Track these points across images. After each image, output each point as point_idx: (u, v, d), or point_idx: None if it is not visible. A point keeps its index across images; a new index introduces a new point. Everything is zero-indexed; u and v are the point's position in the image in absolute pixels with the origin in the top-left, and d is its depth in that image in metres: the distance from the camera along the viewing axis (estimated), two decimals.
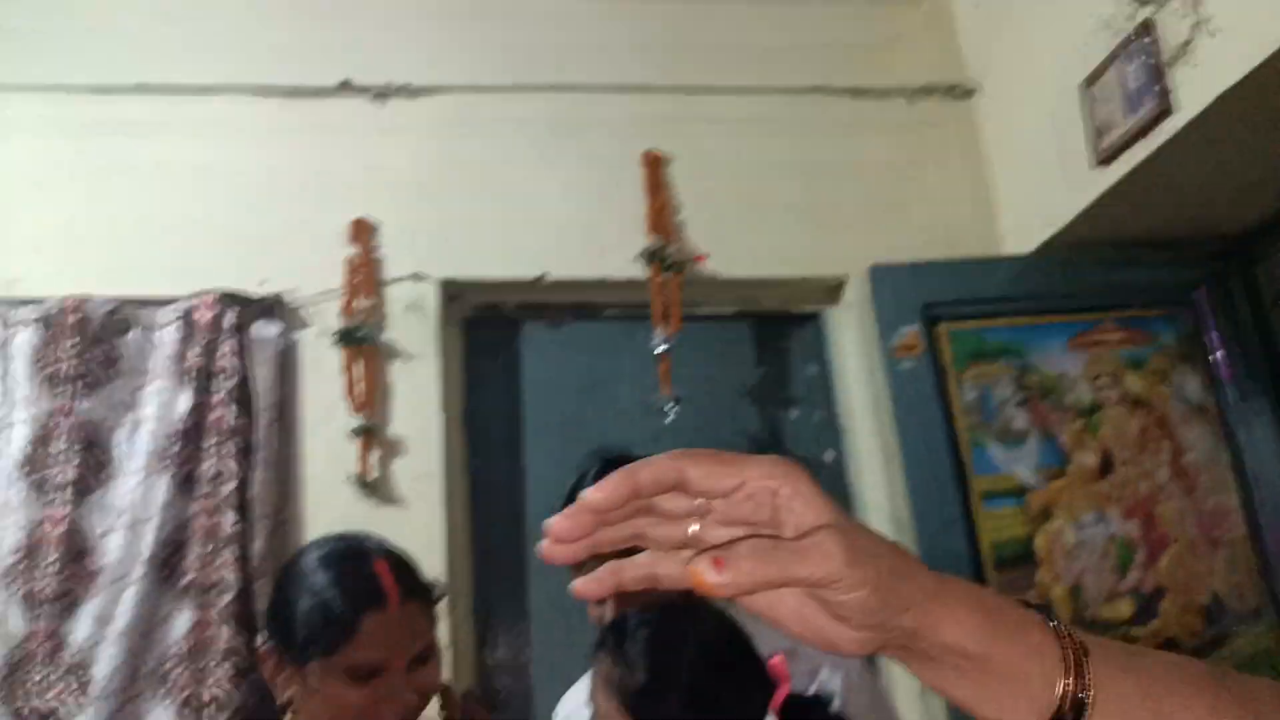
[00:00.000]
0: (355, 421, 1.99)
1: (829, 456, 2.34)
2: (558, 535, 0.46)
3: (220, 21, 2.31)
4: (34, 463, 1.80)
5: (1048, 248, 2.26)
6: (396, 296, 2.14)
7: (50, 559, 1.72)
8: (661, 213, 2.31)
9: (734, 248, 2.30)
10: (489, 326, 2.33)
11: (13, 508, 1.76)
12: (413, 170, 2.24)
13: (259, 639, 1.18)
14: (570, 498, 1.08)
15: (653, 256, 2.26)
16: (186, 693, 1.68)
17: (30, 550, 1.74)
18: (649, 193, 2.31)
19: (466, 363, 2.27)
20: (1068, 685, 0.48)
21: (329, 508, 1.93)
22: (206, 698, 1.68)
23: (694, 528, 0.50)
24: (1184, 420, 2.21)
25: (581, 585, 0.49)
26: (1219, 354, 2.26)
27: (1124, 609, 2.05)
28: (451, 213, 2.22)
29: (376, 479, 1.97)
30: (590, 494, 0.46)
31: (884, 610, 0.46)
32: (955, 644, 0.48)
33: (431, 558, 1.92)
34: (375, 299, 2.12)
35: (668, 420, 2.16)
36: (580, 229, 2.27)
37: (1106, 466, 2.15)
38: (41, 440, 1.81)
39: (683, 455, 0.47)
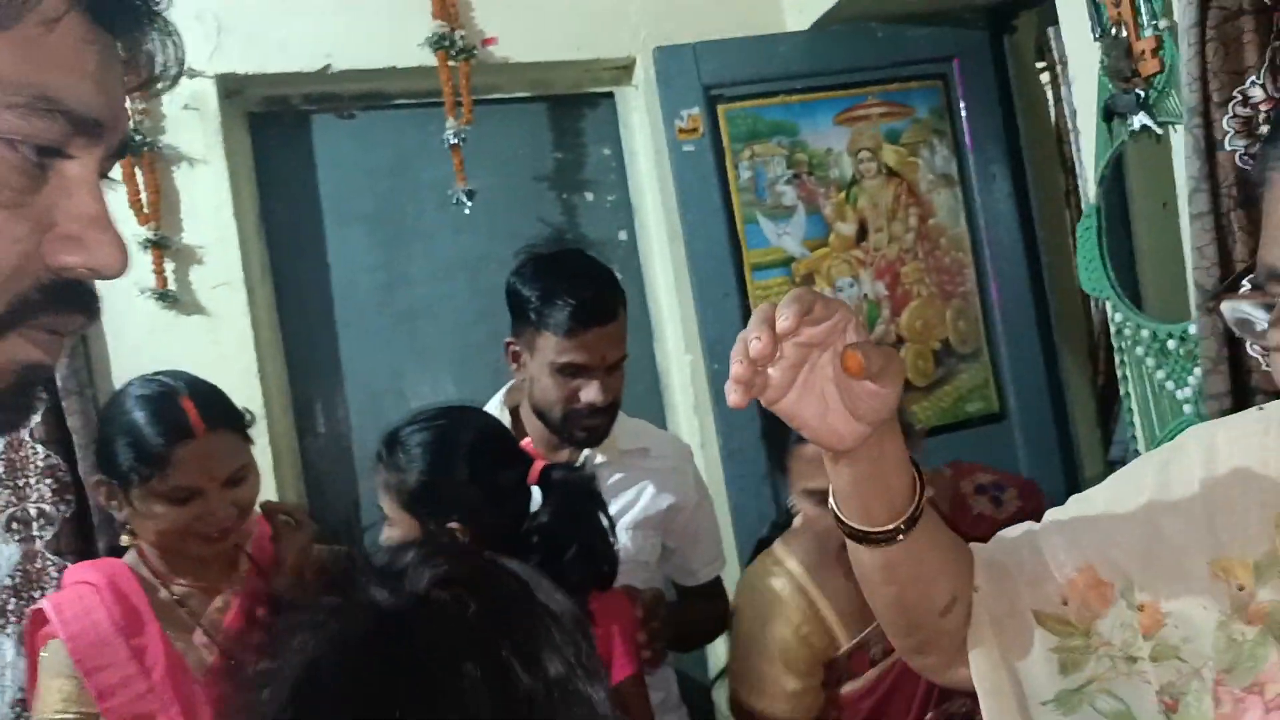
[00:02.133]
0: (145, 233, 1.91)
1: (622, 236, 2.44)
2: (758, 355, 0.62)
3: None
4: None
5: (823, 23, 2.32)
6: (171, 96, 2.00)
7: None
8: None
9: (524, 30, 2.23)
10: (276, 123, 2.22)
11: None
12: None
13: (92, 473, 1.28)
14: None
15: (439, 42, 2.16)
16: (10, 511, 1.71)
17: None
18: None
19: (256, 162, 2.18)
20: (917, 506, 0.72)
21: (130, 322, 1.89)
22: (32, 514, 1.72)
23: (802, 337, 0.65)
24: (932, 189, 2.41)
25: (736, 397, 0.64)
26: (965, 124, 2.44)
27: None
28: (225, 1, 2.05)
29: (174, 291, 1.94)
30: (780, 322, 0.62)
31: (886, 411, 0.67)
32: (889, 456, 0.70)
33: (242, 362, 1.94)
34: (148, 100, 1.97)
35: (465, 212, 2.18)
36: (365, 14, 2.14)
37: (862, 234, 2.35)
38: None
39: (805, 291, 0.65)
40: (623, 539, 1.46)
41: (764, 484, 2.19)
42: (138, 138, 1.92)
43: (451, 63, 2.17)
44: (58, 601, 1.25)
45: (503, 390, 1.63)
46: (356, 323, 2.24)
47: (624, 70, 2.38)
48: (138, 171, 1.92)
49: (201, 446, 1.21)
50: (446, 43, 2.16)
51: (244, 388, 1.86)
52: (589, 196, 2.43)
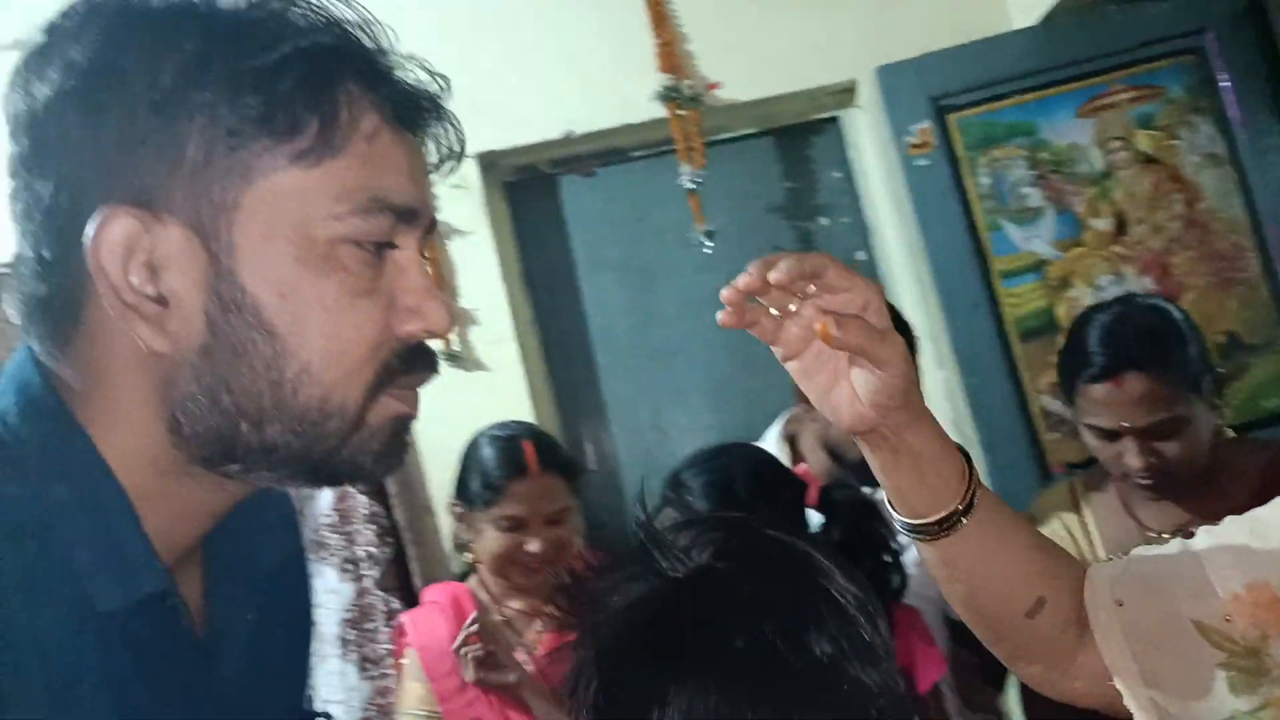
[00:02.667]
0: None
1: (860, 257, 2.43)
2: (743, 286, 0.64)
3: None
4: None
5: (1053, 16, 2.22)
6: (441, 179, 2.22)
7: None
8: (669, 48, 2.29)
9: (745, 70, 2.29)
10: (528, 188, 2.40)
11: None
12: (433, 51, 2.25)
13: (450, 500, 1.53)
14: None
15: (668, 94, 2.27)
16: (342, 554, 1.94)
17: None
18: (654, 29, 2.29)
19: (515, 226, 2.37)
20: (965, 498, 0.70)
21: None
22: (361, 555, 1.94)
23: (794, 305, 0.66)
24: (1197, 170, 2.22)
25: (724, 316, 0.65)
26: (1230, 98, 2.24)
27: None
28: (472, 86, 2.24)
29: (459, 350, 2.14)
30: (771, 272, 0.63)
31: (898, 398, 0.65)
32: (916, 444, 0.68)
33: (520, 410, 2.10)
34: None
35: (706, 252, 2.26)
36: (597, 79, 2.28)
37: (1121, 228, 2.20)
38: None
39: (825, 256, 0.65)
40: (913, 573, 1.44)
41: (1031, 499, 2.09)
42: None
43: (680, 111, 2.26)
44: (412, 616, 1.49)
45: (780, 421, 1.66)
46: (615, 364, 2.37)
47: (847, 94, 2.38)
48: None
49: (532, 483, 1.42)
50: (674, 94, 2.26)
51: None
52: (824, 221, 2.44)
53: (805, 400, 1.48)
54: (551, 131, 2.28)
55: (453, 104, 2.08)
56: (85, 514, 0.51)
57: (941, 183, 2.21)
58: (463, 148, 0.61)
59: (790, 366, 0.68)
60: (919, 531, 0.71)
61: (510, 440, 1.47)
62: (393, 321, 0.54)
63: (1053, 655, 0.74)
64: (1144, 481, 1.27)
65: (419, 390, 0.57)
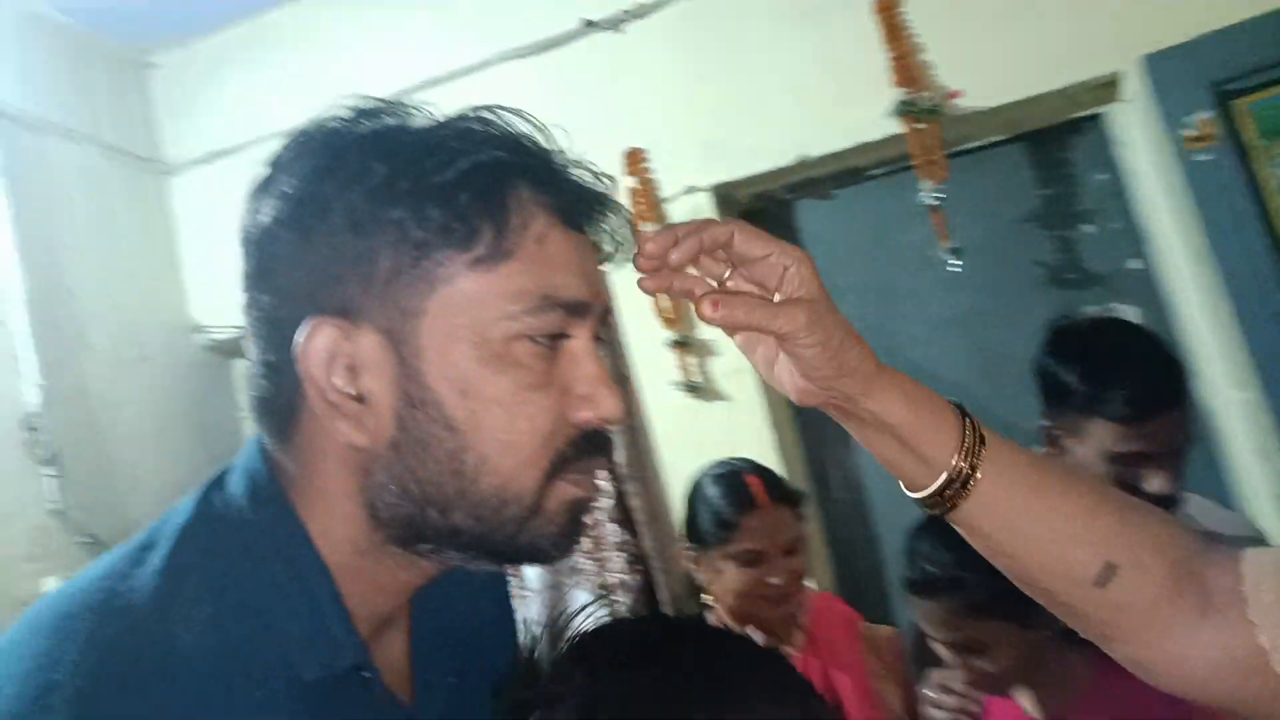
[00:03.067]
0: (670, 335, 2.17)
1: (1134, 265, 2.20)
2: (646, 254, 0.60)
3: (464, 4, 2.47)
4: None
5: None
6: (676, 213, 2.26)
7: None
8: (904, 61, 2.20)
9: (991, 74, 2.15)
10: (764, 215, 2.39)
11: None
12: (664, 89, 2.31)
13: (681, 540, 1.53)
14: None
15: (904, 109, 2.18)
16: (597, 580, 2.02)
17: None
18: (888, 43, 2.21)
19: None
20: (960, 460, 0.62)
21: (668, 411, 2.14)
22: (612, 582, 2.01)
23: (726, 273, 0.63)
24: None
25: (643, 281, 0.62)
26: None
27: None
28: (706, 122, 2.27)
29: (700, 381, 2.16)
30: (672, 253, 0.59)
31: (829, 367, 0.60)
32: (881, 412, 0.62)
33: (760, 439, 2.09)
34: (659, 221, 2.25)
35: (952, 271, 2.14)
36: (827, 103, 2.23)
37: None
38: None
39: (734, 222, 0.61)
40: None
41: None
42: None
43: (918, 125, 2.16)
44: None
45: None
46: None
47: (1108, 88, 2.17)
48: None
49: (764, 516, 1.42)
50: (911, 107, 2.16)
51: (763, 461, 2.00)
52: (1088, 228, 2.24)
53: (1054, 444, 1.37)
54: (784, 159, 2.26)
55: (684, 141, 2.13)
56: (294, 591, 0.56)
57: (1228, 177, 1.96)
58: (632, 232, 0.63)
59: (736, 342, 0.66)
60: (928, 505, 0.64)
61: (734, 476, 1.47)
62: (567, 409, 0.57)
63: (1147, 633, 0.62)
64: None
65: (594, 474, 0.60)
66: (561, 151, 0.60)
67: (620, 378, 2.13)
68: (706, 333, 2.20)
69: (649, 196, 2.26)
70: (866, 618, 1.58)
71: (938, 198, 2.14)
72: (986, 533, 0.64)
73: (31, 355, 2.03)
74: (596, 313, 0.59)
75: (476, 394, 0.54)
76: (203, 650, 0.50)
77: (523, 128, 0.59)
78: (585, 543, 2.04)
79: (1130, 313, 2.13)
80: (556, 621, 0.62)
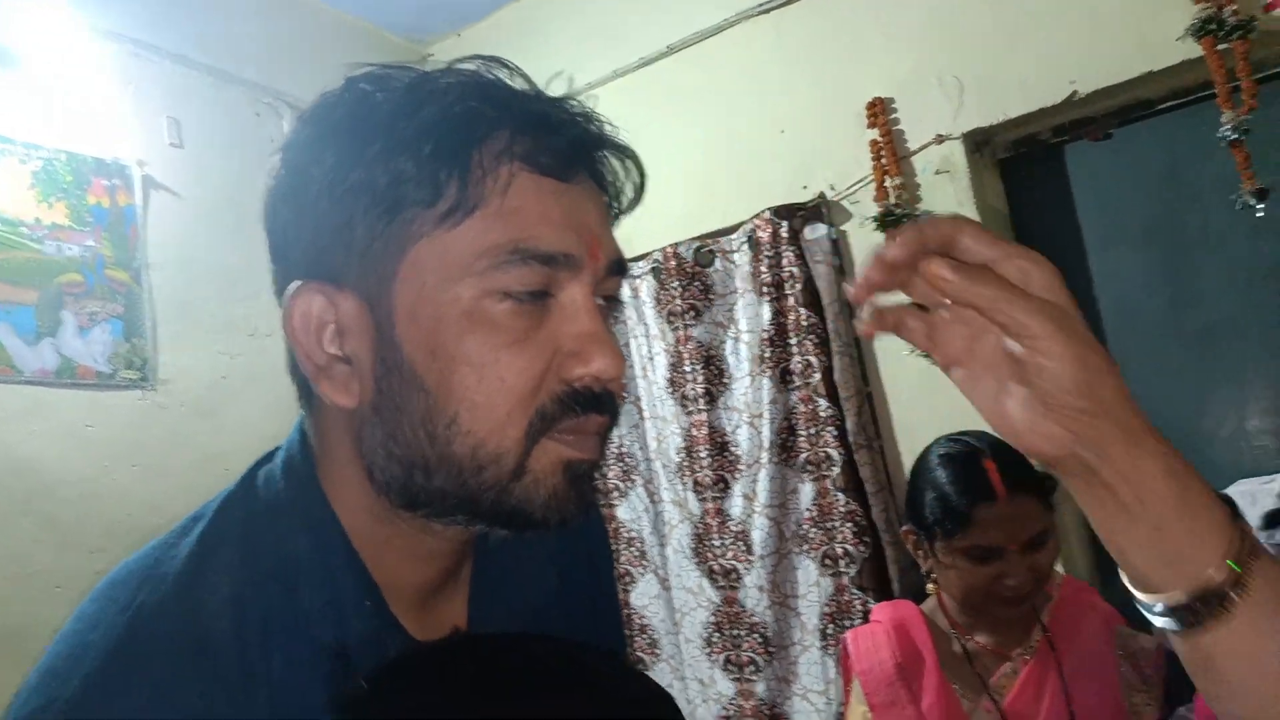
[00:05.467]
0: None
1: None
2: (863, 282, 0.49)
3: None
4: (674, 383, 2.17)
5: None
6: (924, 165, 2.06)
7: (703, 454, 2.09)
8: None
9: None
10: (1027, 162, 2.12)
11: (668, 419, 2.16)
12: (905, 34, 2.10)
13: (902, 522, 1.34)
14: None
15: (1204, 28, 1.81)
16: (822, 549, 1.94)
17: (689, 449, 2.12)
18: None
19: (1011, 205, 2.11)
20: (1224, 570, 0.45)
21: (902, 380, 1.99)
22: (839, 552, 1.92)
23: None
24: None
25: (861, 326, 0.52)
26: None
27: None
28: (957, 61, 2.04)
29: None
30: (887, 249, 0.48)
31: (1080, 396, 0.44)
32: (1135, 481, 0.45)
33: None
34: (903, 175, 2.07)
35: (1259, 215, 1.77)
36: (1109, 25, 1.90)
37: None
38: (675, 364, 2.17)
39: (960, 219, 0.48)
40: None
41: None
42: (898, 210, 2.02)
43: (1222, 46, 1.79)
44: (853, 637, 1.34)
45: None
46: (1138, 351, 1.99)
47: None
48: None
49: (1002, 509, 1.18)
50: (1213, 26, 1.80)
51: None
52: None
53: None
54: (1053, 95, 1.97)
55: (937, 82, 1.93)
56: (315, 558, 0.55)
57: None
58: (642, 180, 0.57)
59: (954, 377, 0.50)
60: (1165, 616, 0.46)
61: (969, 459, 1.22)
62: (560, 367, 0.53)
63: None
64: None
65: (594, 433, 0.55)
66: (554, 99, 0.55)
67: (852, 342, 2.01)
68: None
69: (892, 149, 2.08)
70: (1129, 620, 1.35)
71: (1242, 131, 1.78)
72: (1231, 672, 0.47)
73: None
74: (596, 268, 0.54)
75: (444, 354, 0.52)
76: (225, 615, 0.51)
77: (504, 76, 0.55)
78: (813, 510, 1.96)
79: None
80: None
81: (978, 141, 2.05)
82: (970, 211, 2.00)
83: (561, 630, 0.63)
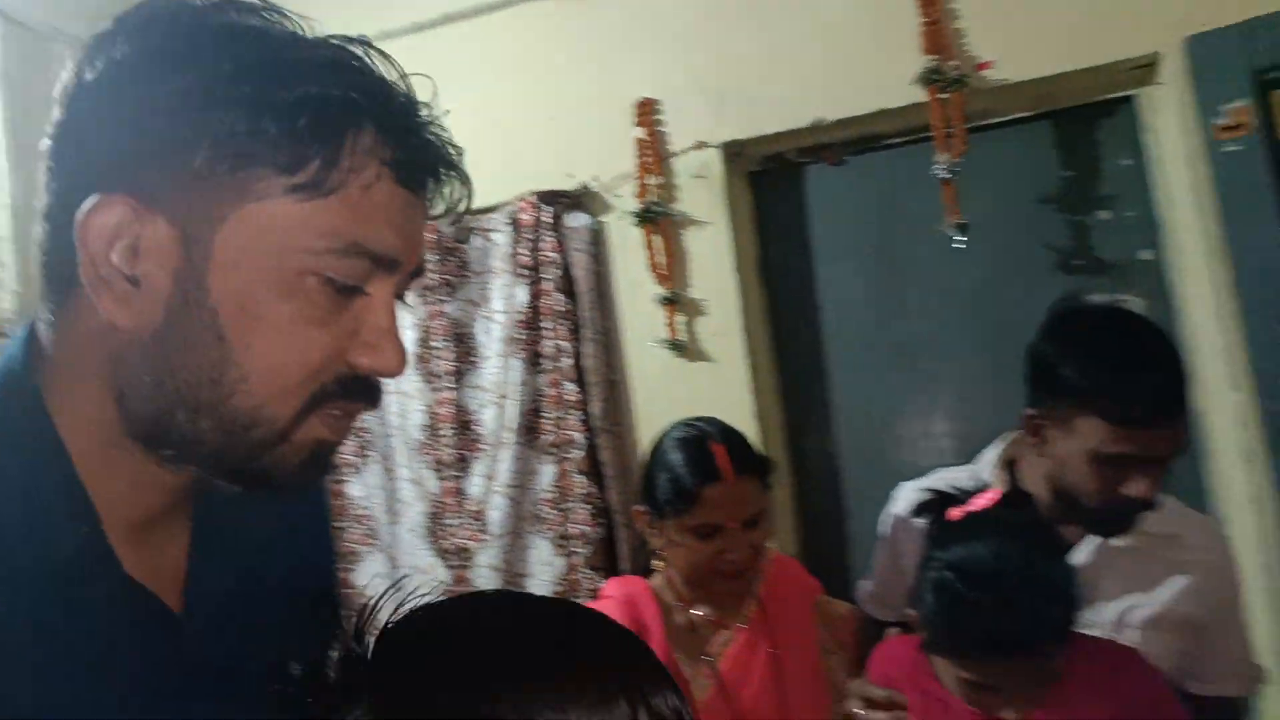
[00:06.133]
0: (660, 291, 2.07)
1: (1145, 256, 2.04)
2: None
3: None
4: (421, 358, 2.11)
5: None
6: (683, 167, 2.14)
7: (446, 432, 2.05)
8: (936, 27, 2.04)
9: (1025, 46, 1.97)
10: (773, 177, 2.26)
11: (412, 395, 2.09)
12: (679, 42, 2.18)
13: (636, 502, 1.40)
14: None
15: (930, 77, 2.02)
16: (558, 530, 1.96)
17: (432, 427, 2.07)
18: (921, 7, 2.04)
19: (756, 217, 2.25)
20: None
21: (648, 369, 2.06)
22: (573, 533, 1.95)
23: None
24: None
25: None
26: None
27: None
28: (722, 75, 2.14)
29: (683, 340, 2.06)
30: None
31: None
32: None
33: (741, 403, 2.00)
34: (664, 175, 2.14)
35: (958, 246, 2.00)
36: (852, 64, 2.08)
37: None
38: (424, 340, 2.11)
39: None
40: (1134, 637, 1.18)
41: None
42: (657, 209, 2.09)
43: (942, 95, 2.01)
44: None
45: (999, 444, 1.39)
46: (850, 358, 2.18)
47: (1146, 69, 1.98)
48: (655, 238, 2.09)
49: (727, 489, 1.27)
50: (937, 76, 2.01)
51: (741, 426, 1.90)
52: (1104, 215, 2.07)
53: (1036, 433, 1.26)
54: (801, 120, 2.12)
55: (700, 92, 2.01)
56: (28, 477, 0.53)
57: (1254, 172, 1.79)
58: (469, 197, 0.60)
59: None
60: None
61: (699, 442, 1.31)
62: (349, 352, 0.55)
63: None
64: None
65: (350, 419, 0.58)
66: (418, 108, 0.57)
67: (604, 330, 2.05)
68: (697, 291, 2.10)
69: (656, 149, 2.15)
70: (828, 591, 1.49)
71: (952, 171, 2.00)
72: None
73: (11, 262, 2.02)
74: (407, 270, 0.58)
75: (254, 313, 0.52)
76: None
77: (385, 73, 0.56)
78: (552, 492, 1.98)
79: (1135, 305, 1.98)
80: (364, 612, 0.55)
81: (733, 152, 2.16)
82: (722, 216, 2.11)
83: (281, 572, 0.66)
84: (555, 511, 1.98)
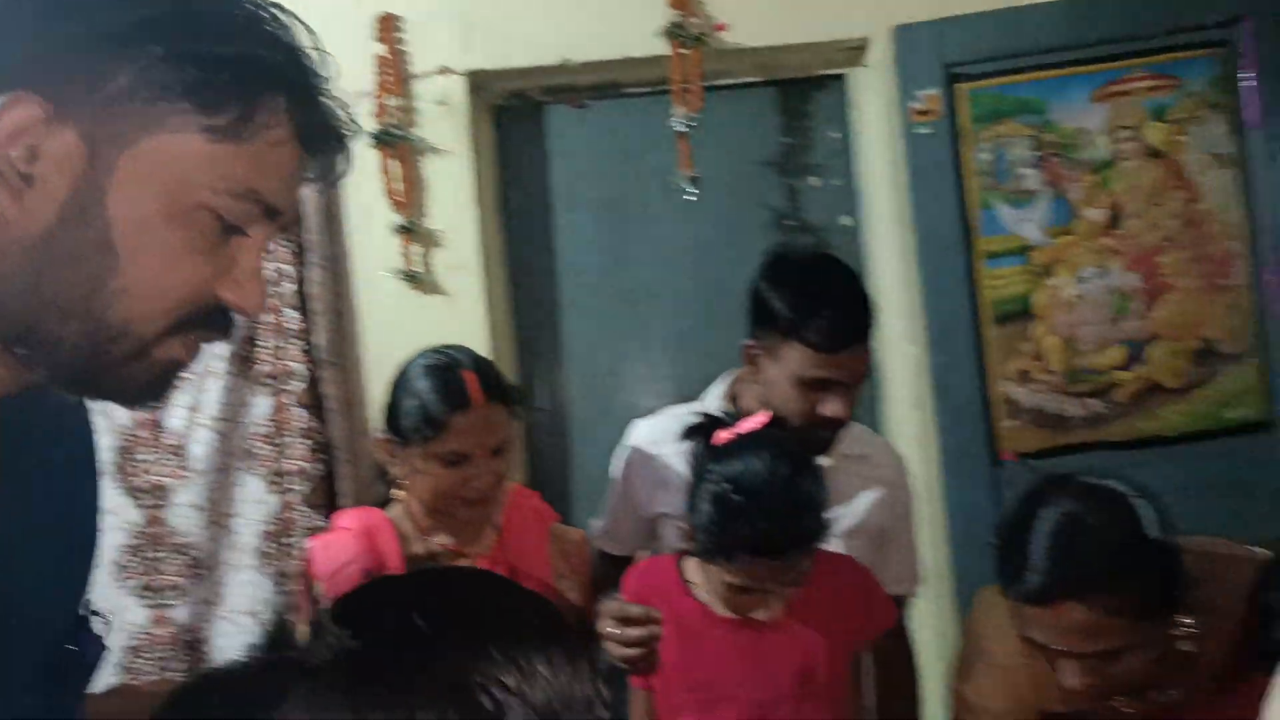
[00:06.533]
0: (396, 219, 1.97)
1: (845, 222, 2.25)
2: None
3: None
4: None
5: None
6: (425, 92, 2.05)
7: None
8: None
9: (756, 14, 2.09)
10: (517, 114, 2.22)
11: None
12: None
13: (378, 431, 1.37)
14: None
15: (674, 31, 2.08)
16: (271, 466, 1.83)
17: None
18: None
19: (498, 152, 2.20)
20: None
21: (380, 301, 1.96)
22: (290, 469, 1.83)
23: None
24: (1202, 169, 2.03)
25: None
26: (1251, 98, 2.03)
27: (1115, 356, 2.00)
28: (475, 5, 2.06)
29: (419, 272, 1.99)
30: None
31: None
32: None
33: (475, 340, 1.96)
34: (405, 97, 2.03)
35: (689, 199, 2.10)
36: (602, 7, 2.07)
37: (1115, 220, 2.03)
38: None
39: None
40: (837, 546, 1.33)
41: (986, 486, 1.96)
42: (396, 132, 1.98)
43: (683, 50, 2.08)
44: (321, 544, 1.35)
45: (724, 380, 1.50)
46: (581, 303, 2.22)
47: (857, 51, 2.18)
48: (392, 163, 1.99)
49: (476, 416, 1.25)
50: (679, 31, 2.07)
51: None
52: (814, 181, 2.26)
53: (752, 363, 1.38)
54: (548, 57, 2.10)
55: (447, 17, 1.92)
56: None
57: (940, 154, 2.03)
58: (349, 168, 0.66)
59: None
60: None
61: (449, 370, 1.28)
62: (217, 284, 0.59)
63: None
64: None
65: (199, 347, 0.62)
66: (328, 81, 0.62)
67: (332, 257, 1.92)
68: (434, 222, 2.02)
69: (397, 69, 2.03)
70: (560, 516, 1.51)
71: (689, 125, 2.09)
72: None
73: None
74: (284, 223, 0.62)
75: (147, 233, 0.56)
76: None
77: (305, 43, 0.61)
78: (267, 427, 1.84)
79: None
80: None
81: (478, 83, 2.10)
82: (464, 148, 2.04)
83: (76, 500, 0.70)
84: (270, 447, 1.84)
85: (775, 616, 1.17)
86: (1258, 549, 1.11)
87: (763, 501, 1.11)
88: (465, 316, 1.99)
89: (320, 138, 0.61)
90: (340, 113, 0.63)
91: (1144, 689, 1.06)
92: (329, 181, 0.66)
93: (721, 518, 1.13)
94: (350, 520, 1.37)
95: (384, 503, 1.40)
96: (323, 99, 0.61)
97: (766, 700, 1.20)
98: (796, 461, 1.17)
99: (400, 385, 1.32)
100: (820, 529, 1.16)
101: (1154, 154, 2.03)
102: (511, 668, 0.46)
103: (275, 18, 0.59)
